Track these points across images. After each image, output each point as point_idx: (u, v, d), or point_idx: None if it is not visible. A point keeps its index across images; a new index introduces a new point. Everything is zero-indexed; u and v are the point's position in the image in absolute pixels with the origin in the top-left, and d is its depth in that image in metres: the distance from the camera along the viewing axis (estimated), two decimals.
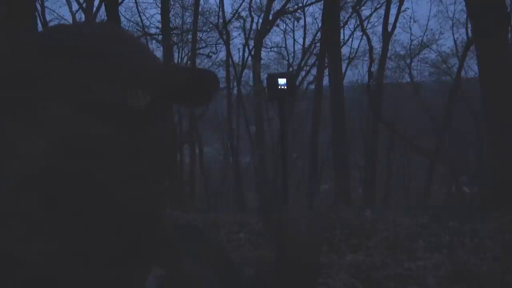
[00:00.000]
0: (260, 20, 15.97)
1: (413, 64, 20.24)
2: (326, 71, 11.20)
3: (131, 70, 0.51)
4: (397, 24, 15.58)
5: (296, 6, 16.34)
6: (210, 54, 17.84)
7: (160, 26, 13.60)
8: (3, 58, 0.49)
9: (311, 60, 17.15)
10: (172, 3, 15.30)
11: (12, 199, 0.51)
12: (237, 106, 15.70)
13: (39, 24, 12.04)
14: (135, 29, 15.62)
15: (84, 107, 0.48)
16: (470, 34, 13.85)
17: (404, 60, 20.14)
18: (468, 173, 16.13)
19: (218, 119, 20.60)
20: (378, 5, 16.81)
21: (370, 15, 17.37)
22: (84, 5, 12.70)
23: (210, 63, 19.42)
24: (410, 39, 23.44)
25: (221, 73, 18.99)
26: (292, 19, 17.85)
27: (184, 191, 12.33)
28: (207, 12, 17.10)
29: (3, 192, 0.55)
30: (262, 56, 15.93)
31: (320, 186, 15.21)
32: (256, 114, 14.36)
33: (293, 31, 19.36)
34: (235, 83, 16.35)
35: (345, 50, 17.15)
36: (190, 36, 14.93)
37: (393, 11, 14.90)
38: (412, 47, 19.59)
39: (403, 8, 15.61)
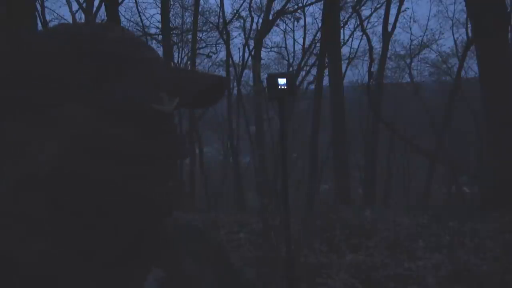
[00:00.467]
0: (260, 20, 15.98)
1: (413, 64, 20.26)
2: (326, 71, 11.21)
3: (162, 76, 0.52)
4: (397, 24, 15.59)
5: (296, 6, 16.34)
6: (210, 54, 17.86)
7: (160, 26, 13.61)
8: (34, 60, 0.49)
9: (311, 60, 17.16)
10: (172, 3, 15.31)
11: (23, 199, 0.51)
12: (237, 106, 15.70)
13: (39, 24, 12.04)
14: (135, 29, 15.61)
15: (108, 110, 0.49)
16: (470, 34, 13.85)
17: (404, 60, 20.14)
18: (468, 173, 16.12)
19: (218, 119, 20.59)
20: (378, 5, 16.82)
21: (370, 15, 17.38)
22: (84, 5, 12.69)
23: (210, 63, 19.45)
24: (410, 39, 23.51)
25: (221, 73, 19.03)
26: (292, 19, 17.86)
27: (184, 191, 12.33)
28: (207, 12, 17.12)
29: (3, 192, 0.55)
30: (262, 56, 15.95)
31: (320, 186, 15.21)
32: (256, 114, 14.35)
33: (293, 31, 19.38)
34: (235, 83, 16.34)
35: (345, 50, 17.18)
36: (190, 36, 14.93)
37: (393, 11, 14.92)
38: (412, 47, 19.61)
39: (403, 8, 15.61)
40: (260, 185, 10.30)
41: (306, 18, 24.70)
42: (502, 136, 6.82)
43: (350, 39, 18.34)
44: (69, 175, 0.50)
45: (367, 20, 16.81)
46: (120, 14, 5.03)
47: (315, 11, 33.15)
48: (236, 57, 18.28)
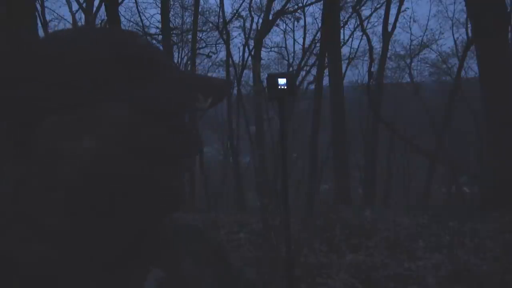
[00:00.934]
0: (260, 20, 15.98)
1: (413, 64, 20.26)
2: (326, 71, 11.21)
3: (193, 78, 0.58)
4: (397, 24, 15.57)
5: (296, 6, 16.33)
6: (210, 54, 17.84)
7: (160, 26, 13.60)
8: (75, 63, 0.52)
9: (311, 60, 17.15)
10: (172, 3, 15.31)
11: (43, 196, 0.53)
12: (237, 106, 15.69)
13: (39, 24, 12.05)
14: (135, 29, 15.61)
15: (145, 109, 0.53)
16: (470, 34, 13.84)
17: (404, 60, 20.14)
18: (468, 173, 16.11)
19: (218, 119, 20.60)
20: (378, 5, 16.82)
21: (370, 15, 17.38)
22: (84, 5, 12.69)
23: (210, 63, 19.46)
24: (410, 39, 23.58)
25: (221, 73, 19.05)
26: (292, 19, 17.86)
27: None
28: (207, 12, 17.12)
29: (4, 192, 0.55)
30: (262, 56, 15.94)
31: (320, 186, 15.21)
32: (256, 114, 14.35)
33: (293, 31, 19.39)
34: (235, 83, 16.34)
35: (345, 50, 17.19)
36: (190, 36, 14.91)
37: (393, 11, 14.91)
38: (412, 47, 19.61)
39: (403, 8, 15.60)
40: (260, 185, 10.30)
41: (306, 18, 24.79)
42: (502, 136, 6.82)
43: (350, 39, 18.37)
44: (104, 170, 0.52)
45: (367, 20, 16.84)
46: (120, 14, 5.03)
47: (315, 11, 33.23)
48: (236, 57, 18.30)
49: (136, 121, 0.52)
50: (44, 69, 0.52)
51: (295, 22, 18.09)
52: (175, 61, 16.34)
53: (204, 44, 17.74)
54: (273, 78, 2.76)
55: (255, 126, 14.19)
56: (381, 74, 15.18)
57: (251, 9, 16.47)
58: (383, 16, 14.70)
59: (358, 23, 14.98)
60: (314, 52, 16.38)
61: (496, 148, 7.02)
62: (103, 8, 10.43)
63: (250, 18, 16.76)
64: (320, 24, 14.78)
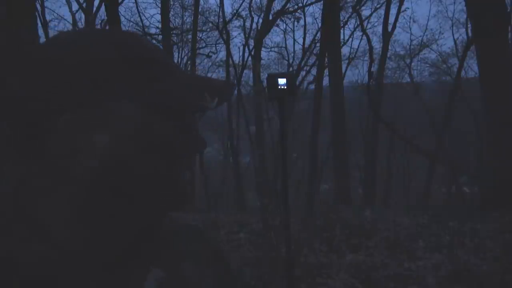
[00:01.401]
0: (260, 20, 15.98)
1: (413, 64, 20.25)
2: (326, 71, 11.21)
3: (200, 78, 0.60)
4: (397, 24, 15.57)
5: (296, 6, 16.33)
6: (210, 54, 17.83)
7: (160, 26, 13.60)
8: (91, 64, 0.54)
9: (311, 60, 17.15)
10: (172, 3, 15.31)
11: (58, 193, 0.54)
12: (237, 106, 15.69)
13: (39, 24, 12.05)
14: (135, 29, 15.61)
15: (156, 107, 0.55)
16: (470, 34, 13.84)
17: (404, 60, 20.13)
18: (468, 173, 16.12)
19: (218, 119, 20.59)
20: (378, 5, 16.82)
21: (370, 15, 17.38)
22: (84, 5, 12.69)
23: (210, 63, 19.45)
24: (410, 39, 23.59)
25: (221, 73, 19.05)
26: (292, 19, 17.85)
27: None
28: (207, 12, 17.11)
29: (4, 192, 0.55)
30: (262, 56, 15.94)
31: (320, 186, 15.20)
32: (256, 114, 14.35)
33: (293, 31, 19.38)
34: (235, 83, 16.31)
35: (345, 50, 17.18)
36: (190, 36, 14.91)
37: (393, 11, 14.91)
38: (412, 47, 19.60)
39: (403, 8, 15.60)
40: (260, 185, 10.30)
41: (306, 18, 24.77)
42: (502, 136, 6.82)
43: (350, 39, 18.36)
44: (118, 164, 0.54)
45: (367, 20, 16.83)
46: (120, 14, 5.03)
47: (315, 11, 33.21)
48: (236, 57, 18.29)
49: (147, 119, 0.54)
50: (54, 70, 0.53)
51: (295, 22, 18.10)
52: (175, 61, 16.33)
53: (204, 44, 17.74)
54: (273, 78, 2.75)
55: (255, 126, 14.19)
56: (381, 74, 15.18)
57: (251, 9, 16.48)
58: (383, 16, 14.72)
59: (358, 23, 15.01)
60: (314, 52, 16.39)
61: (496, 148, 7.02)
62: (103, 8, 10.44)
63: (250, 18, 16.77)
64: (320, 24, 14.78)
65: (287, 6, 15.77)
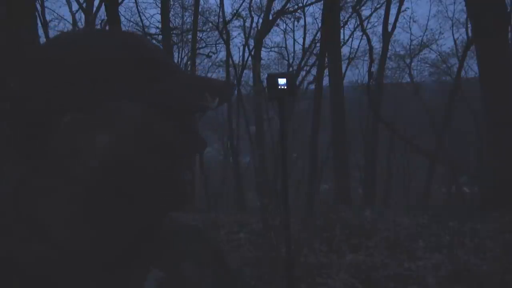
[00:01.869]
0: (260, 20, 15.98)
1: (413, 64, 20.24)
2: (326, 71, 11.20)
3: (200, 79, 0.61)
4: (397, 24, 15.56)
5: (296, 6, 16.31)
6: (210, 54, 17.82)
7: (160, 26, 13.60)
8: (93, 64, 0.54)
9: (311, 60, 17.14)
10: (172, 3, 15.31)
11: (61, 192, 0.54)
12: (237, 106, 15.68)
13: (39, 24, 12.05)
14: (135, 29, 15.61)
15: (158, 107, 0.55)
16: (470, 34, 13.83)
17: (404, 60, 20.12)
18: (468, 173, 16.12)
19: (218, 119, 20.59)
20: (378, 5, 16.81)
21: (370, 15, 17.37)
22: (84, 5, 12.69)
23: (210, 63, 19.44)
24: (410, 39, 23.62)
25: (221, 73, 19.04)
26: (292, 19, 17.85)
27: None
28: (207, 12, 17.11)
29: (4, 192, 0.55)
30: (262, 56, 15.93)
31: (320, 186, 15.20)
32: (256, 114, 14.34)
33: (293, 31, 19.38)
34: (235, 83, 16.30)
35: (345, 50, 17.18)
36: (190, 36, 14.90)
37: (393, 11, 14.90)
38: (412, 47, 19.59)
39: (403, 8, 15.60)
40: (260, 185, 10.31)
41: (306, 18, 24.77)
42: (502, 136, 6.81)
43: (350, 39, 18.36)
44: (120, 163, 0.54)
45: (367, 20, 16.83)
46: (120, 14, 5.03)
47: (315, 11, 33.21)
48: (236, 57, 18.29)
49: (147, 119, 0.55)
50: (55, 71, 0.54)
51: (295, 22, 18.10)
52: (175, 61, 16.32)
53: (204, 44, 17.73)
54: (273, 78, 2.75)
55: (255, 126, 14.18)
56: (381, 74, 15.18)
57: (251, 9, 16.47)
58: (383, 16, 14.72)
59: (358, 23, 14.99)
60: (314, 52, 16.38)
61: (496, 148, 7.02)
62: (103, 8, 10.43)
63: (250, 18, 16.76)
64: (320, 24, 14.79)
65: (287, 6, 15.78)
